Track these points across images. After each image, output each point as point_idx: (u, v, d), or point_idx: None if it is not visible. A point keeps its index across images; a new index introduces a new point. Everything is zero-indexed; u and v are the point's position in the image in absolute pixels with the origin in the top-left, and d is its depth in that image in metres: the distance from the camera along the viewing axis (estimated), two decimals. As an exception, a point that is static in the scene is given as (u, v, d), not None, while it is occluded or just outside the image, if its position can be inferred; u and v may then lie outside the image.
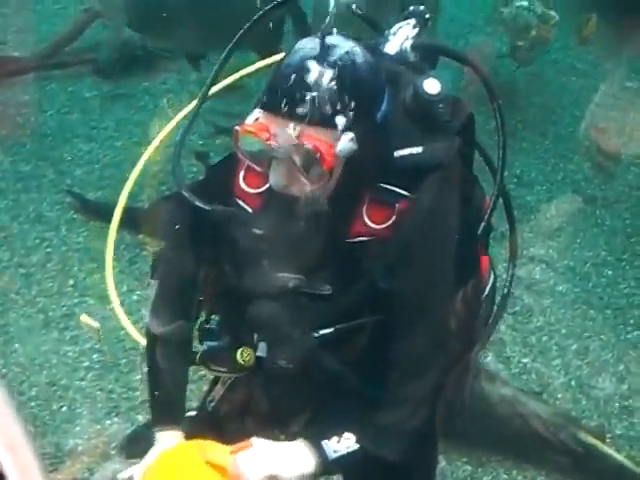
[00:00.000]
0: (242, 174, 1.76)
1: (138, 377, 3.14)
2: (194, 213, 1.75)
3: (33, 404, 3.05)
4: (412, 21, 1.84)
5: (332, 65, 1.53)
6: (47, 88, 4.89)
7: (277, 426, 1.84)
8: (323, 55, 1.54)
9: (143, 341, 1.96)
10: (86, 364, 3.23)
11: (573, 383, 3.34)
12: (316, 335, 1.70)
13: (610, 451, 3.01)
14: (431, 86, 1.66)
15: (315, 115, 1.52)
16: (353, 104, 1.54)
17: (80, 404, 3.07)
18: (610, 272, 3.93)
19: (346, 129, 1.54)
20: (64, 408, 3.05)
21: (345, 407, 1.70)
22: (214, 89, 1.98)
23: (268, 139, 1.54)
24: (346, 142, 1.54)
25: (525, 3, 4.64)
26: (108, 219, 3.80)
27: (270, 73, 1.63)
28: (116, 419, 3.02)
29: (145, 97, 4.76)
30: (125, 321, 2.20)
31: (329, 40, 1.57)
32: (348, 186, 1.61)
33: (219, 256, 1.79)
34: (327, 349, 1.70)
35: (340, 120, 1.53)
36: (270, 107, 1.56)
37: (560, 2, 4.86)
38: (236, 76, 2.11)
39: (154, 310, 1.87)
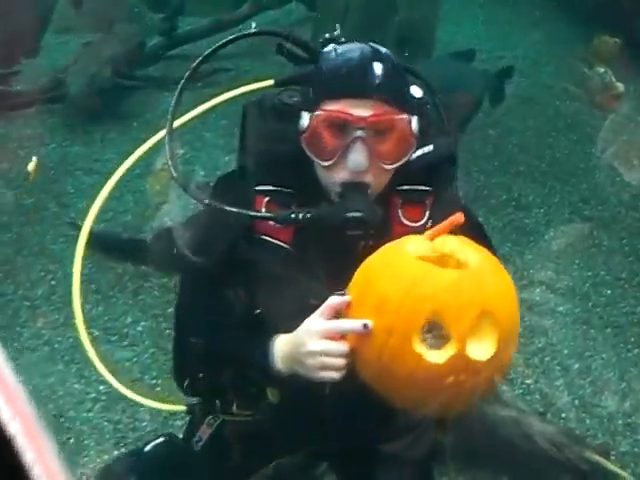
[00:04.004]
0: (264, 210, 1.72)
1: (145, 408, 3.16)
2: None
3: (41, 436, 3.05)
4: None
5: (385, 58, 1.66)
6: (49, 121, 4.95)
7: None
8: (376, 51, 1.67)
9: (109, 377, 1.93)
10: (93, 395, 3.23)
11: (577, 402, 3.35)
12: None
13: (615, 468, 3.02)
14: (416, 92, 1.78)
15: (390, 90, 1.63)
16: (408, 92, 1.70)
17: (87, 436, 3.07)
18: (609, 291, 3.96)
19: (413, 113, 1.67)
20: (71, 440, 3.05)
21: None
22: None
23: (353, 119, 1.62)
24: (416, 123, 1.67)
25: (602, 70, 4.73)
26: (111, 251, 3.87)
27: (315, 74, 1.70)
28: (123, 450, 3.01)
29: (146, 129, 4.79)
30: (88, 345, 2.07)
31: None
32: (385, 188, 1.70)
33: (250, 280, 1.73)
34: None
35: (409, 100, 1.68)
36: (343, 91, 1.63)
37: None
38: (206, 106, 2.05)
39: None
